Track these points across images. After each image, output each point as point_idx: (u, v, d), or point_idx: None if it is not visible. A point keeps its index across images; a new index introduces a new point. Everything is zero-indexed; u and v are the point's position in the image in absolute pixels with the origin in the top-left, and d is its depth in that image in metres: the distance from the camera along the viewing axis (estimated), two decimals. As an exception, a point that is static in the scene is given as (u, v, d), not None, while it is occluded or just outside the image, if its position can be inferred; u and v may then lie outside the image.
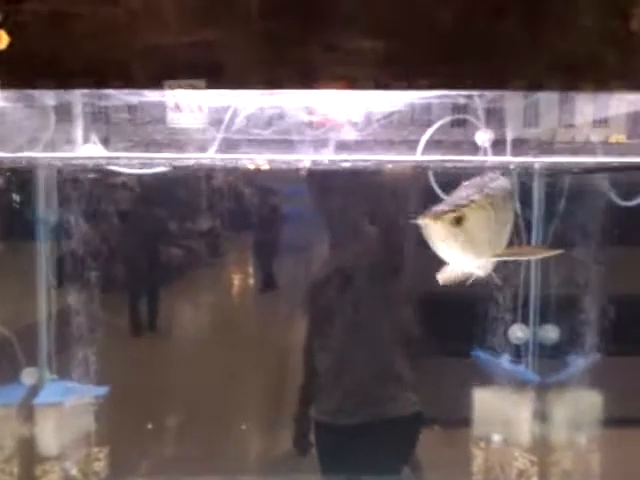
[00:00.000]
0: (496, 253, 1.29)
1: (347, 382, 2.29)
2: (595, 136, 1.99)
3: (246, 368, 3.66)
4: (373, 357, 2.29)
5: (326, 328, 2.31)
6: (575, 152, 2.02)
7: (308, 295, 2.40)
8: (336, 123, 1.87)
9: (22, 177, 2.10)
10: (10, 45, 1.41)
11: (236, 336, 4.08)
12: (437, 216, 1.18)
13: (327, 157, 1.87)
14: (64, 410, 2.20)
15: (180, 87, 1.41)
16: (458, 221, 1.19)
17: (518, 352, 2.24)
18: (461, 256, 1.23)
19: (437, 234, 1.19)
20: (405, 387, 2.32)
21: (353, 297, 2.22)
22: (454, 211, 1.20)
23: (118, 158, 1.93)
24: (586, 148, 1.97)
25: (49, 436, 2.20)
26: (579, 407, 2.24)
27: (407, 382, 2.33)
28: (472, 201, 1.23)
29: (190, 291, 5.10)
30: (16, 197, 2.34)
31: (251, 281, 5.28)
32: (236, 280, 5.50)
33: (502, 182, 1.37)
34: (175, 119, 1.73)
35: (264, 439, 3.40)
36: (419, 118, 1.98)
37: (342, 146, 1.90)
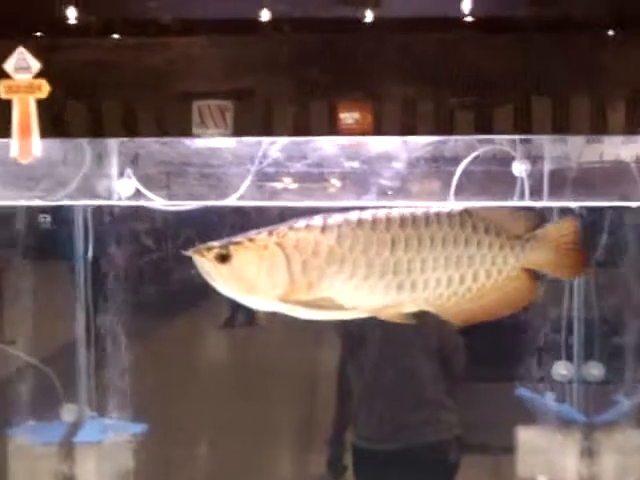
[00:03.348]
0: (290, 298, 1.14)
1: (382, 407, 2.26)
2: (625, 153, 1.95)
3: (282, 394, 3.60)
4: (407, 381, 2.26)
5: (359, 352, 2.30)
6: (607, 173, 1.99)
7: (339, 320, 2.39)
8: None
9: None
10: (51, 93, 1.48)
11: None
12: (199, 251, 1.14)
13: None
14: (104, 448, 2.19)
15: (209, 107, 1.46)
16: (223, 258, 1.13)
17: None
18: (232, 294, 1.16)
19: (202, 268, 1.14)
20: (443, 411, 2.27)
21: (385, 321, 2.21)
22: (225, 247, 1.13)
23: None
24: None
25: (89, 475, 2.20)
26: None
27: (444, 405, 2.28)
28: (250, 239, 1.14)
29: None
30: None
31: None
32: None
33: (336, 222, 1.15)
34: (201, 134, 1.79)
35: (296, 464, 3.30)
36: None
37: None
